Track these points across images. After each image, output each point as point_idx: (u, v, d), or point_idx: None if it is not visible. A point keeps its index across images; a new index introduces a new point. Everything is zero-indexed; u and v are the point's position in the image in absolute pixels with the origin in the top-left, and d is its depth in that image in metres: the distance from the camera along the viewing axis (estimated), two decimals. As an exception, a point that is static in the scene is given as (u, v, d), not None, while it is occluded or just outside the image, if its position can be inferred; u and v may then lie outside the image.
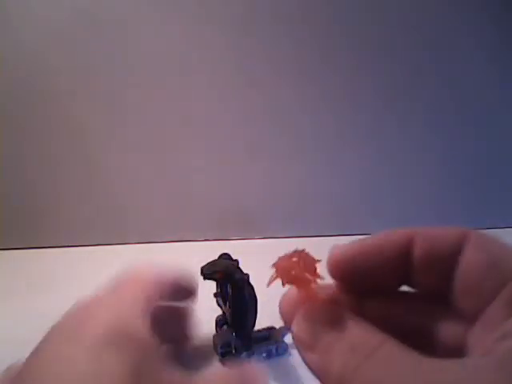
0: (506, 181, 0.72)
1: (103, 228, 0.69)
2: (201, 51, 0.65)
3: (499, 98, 0.69)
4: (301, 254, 0.19)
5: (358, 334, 0.17)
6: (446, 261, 0.18)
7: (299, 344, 0.18)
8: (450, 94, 0.68)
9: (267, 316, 0.39)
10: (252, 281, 0.38)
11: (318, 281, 0.19)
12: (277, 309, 0.20)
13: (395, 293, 0.20)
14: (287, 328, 0.20)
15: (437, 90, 0.68)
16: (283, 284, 0.19)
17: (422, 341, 0.18)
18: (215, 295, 0.42)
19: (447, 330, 0.19)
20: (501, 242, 0.18)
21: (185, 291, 0.36)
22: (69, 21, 0.63)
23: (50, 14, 0.62)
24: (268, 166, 0.69)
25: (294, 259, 0.19)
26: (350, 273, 0.19)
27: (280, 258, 0.19)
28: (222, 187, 0.68)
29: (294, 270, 0.19)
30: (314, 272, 0.19)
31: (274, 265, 0.19)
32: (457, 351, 0.18)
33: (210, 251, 0.41)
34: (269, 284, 0.19)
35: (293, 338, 0.19)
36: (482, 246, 0.18)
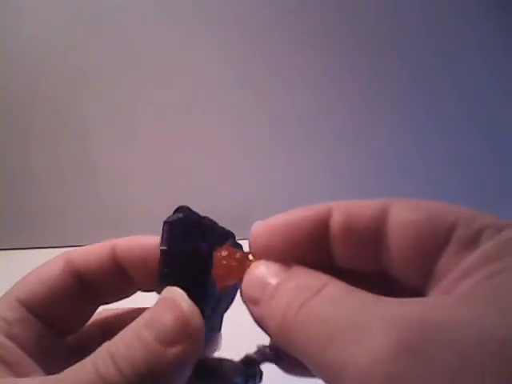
0: (506, 181, 0.72)
1: (103, 228, 0.69)
2: (201, 51, 0.65)
3: (499, 98, 0.69)
4: (220, 254, 0.21)
5: (303, 275, 0.17)
6: (369, 230, 0.17)
7: (247, 300, 0.18)
8: (450, 95, 0.68)
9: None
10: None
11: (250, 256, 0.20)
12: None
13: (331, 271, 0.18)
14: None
15: (436, 91, 0.68)
16: (222, 283, 0.20)
17: None
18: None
19: None
20: (426, 201, 0.17)
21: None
22: (69, 21, 0.63)
23: (50, 15, 0.62)
24: (268, 166, 0.69)
25: (222, 254, 0.20)
26: (274, 251, 0.18)
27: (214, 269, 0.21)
28: (221, 187, 0.68)
29: (227, 264, 0.20)
30: (242, 253, 0.20)
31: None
32: None
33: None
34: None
35: (242, 298, 0.19)
36: (410, 206, 0.17)
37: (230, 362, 0.21)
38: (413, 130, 0.69)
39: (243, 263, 0.20)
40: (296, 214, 0.18)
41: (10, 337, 0.20)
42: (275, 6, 0.64)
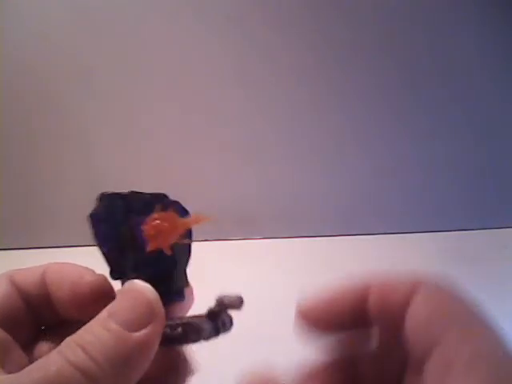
0: (506, 181, 0.72)
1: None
2: (201, 51, 0.65)
3: (499, 98, 0.69)
4: (160, 215, 0.23)
5: None
6: (397, 312, 0.19)
7: None
8: (450, 95, 0.68)
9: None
10: (251, 280, 0.37)
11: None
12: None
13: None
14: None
15: (437, 91, 0.68)
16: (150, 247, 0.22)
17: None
18: None
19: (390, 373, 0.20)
20: (449, 290, 0.19)
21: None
22: (69, 20, 0.63)
23: (50, 14, 0.62)
24: (268, 167, 0.69)
25: (156, 222, 0.22)
26: (317, 322, 0.21)
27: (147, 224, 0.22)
28: (221, 187, 0.68)
29: (157, 224, 0.22)
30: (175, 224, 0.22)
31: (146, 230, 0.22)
32: None
33: (209, 251, 0.41)
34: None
35: None
36: (428, 297, 0.19)
37: (196, 320, 0.22)
38: (412, 130, 0.69)
39: (174, 221, 0.22)
40: (337, 293, 0.21)
41: None
42: (275, 7, 0.64)
